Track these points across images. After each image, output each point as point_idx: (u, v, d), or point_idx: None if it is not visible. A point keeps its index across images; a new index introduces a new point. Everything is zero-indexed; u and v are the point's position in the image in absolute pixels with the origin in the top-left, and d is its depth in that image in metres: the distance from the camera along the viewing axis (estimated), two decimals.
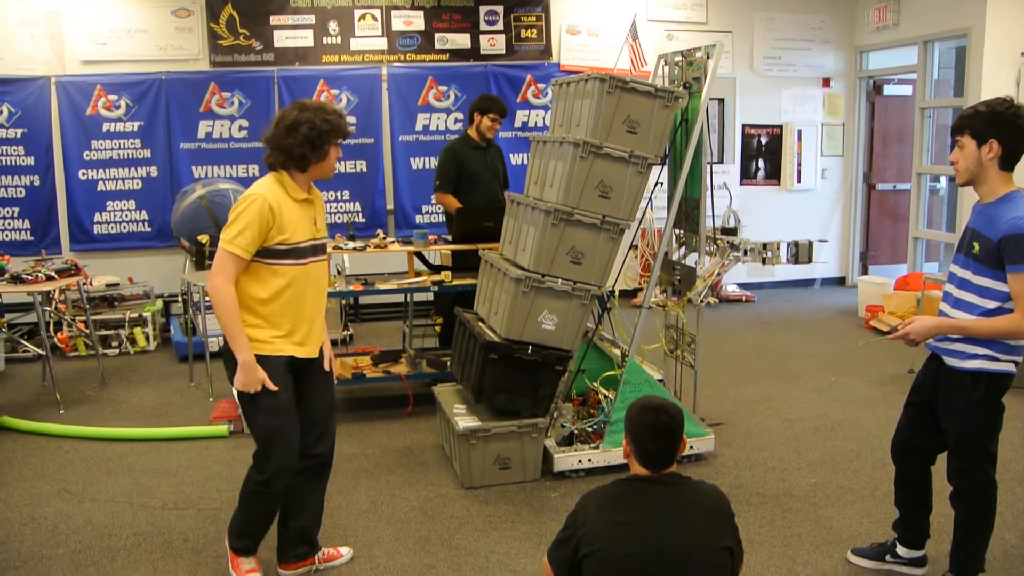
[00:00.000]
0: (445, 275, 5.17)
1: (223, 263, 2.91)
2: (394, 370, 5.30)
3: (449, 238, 5.53)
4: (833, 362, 6.23)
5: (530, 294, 3.96)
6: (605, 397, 4.41)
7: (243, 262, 2.92)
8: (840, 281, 9.15)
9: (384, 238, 5.32)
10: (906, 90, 8.64)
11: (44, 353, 5.56)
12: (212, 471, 4.37)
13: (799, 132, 8.72)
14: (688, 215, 4.60)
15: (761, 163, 8.79)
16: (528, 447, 4.12)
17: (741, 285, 8.65)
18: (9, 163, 7.33)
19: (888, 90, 8.80)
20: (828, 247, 8.96)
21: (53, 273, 5.54)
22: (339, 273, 5.45)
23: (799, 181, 8.79)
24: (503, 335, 4.03)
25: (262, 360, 2.97)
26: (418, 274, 5.33)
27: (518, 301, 3.97)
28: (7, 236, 7.38)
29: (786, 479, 4.15)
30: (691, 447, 4.32)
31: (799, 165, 8.78)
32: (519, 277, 3.94)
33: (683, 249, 4.79)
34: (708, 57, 4.24)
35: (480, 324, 4.39)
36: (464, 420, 4.13)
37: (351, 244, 5.23)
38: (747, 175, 8.76)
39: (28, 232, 7.42)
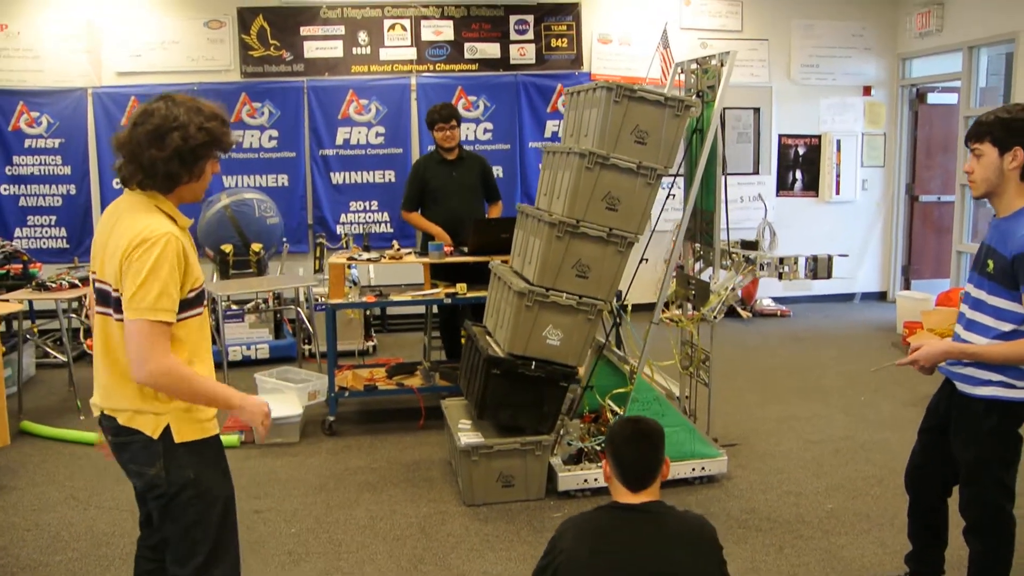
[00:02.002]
0: (460, 287, 5.11)
1: (154, 340, 2.07)
2: (407, 383, 5.24)
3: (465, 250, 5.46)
4: (866, 380, 5.99)
5: (534, 308, 3.87)
6: (615, 414, 4.29)
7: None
8: (881, 296, 8.85)
9: (399, 249, 5.27)
10: (951, 98, 8.33)
11: (66, 360, 5.64)
12: None
13: (838, 142, 8.47)
14: (703, 228, 4.46)
15: (798, 174, 8.56)
16: (531, 465, 4.02)
17: (776, 299, 8.42)
18: (47, 172, 7.51)
19: (932, 98, 8.50)
20: (868, 261, 8.69)
21: (76, 281, 5.62)
22: (354, 284, 5.44)
23: (838, 192, 8.54)
24: (506, 350, 3.94)
25: (214, 445, 2.32)
26: (434, 285, 5.28)
27: (522, 315, 3.88)
28: (44, 244, 7.55)
29: (801, 504, 3.98)
30: (703, 468, 4.17)
31: (838, 176, 8.53)
32: (522, 290, 3.85)
33: (700, 263, 4.65)
34: (722, 64, 4.11)
35: (488, 338, 4.32)
36: (467, 436, 4.06)
37: (365, 255, 5.19)
38: (784, 186, 8.54)
39: (64, 240, 7.59)
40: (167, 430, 2.21)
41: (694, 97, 4.30)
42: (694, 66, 4.45)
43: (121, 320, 2.15)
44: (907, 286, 8.65)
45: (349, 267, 6.70)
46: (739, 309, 8.13)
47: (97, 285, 2.26)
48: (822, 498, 4.04)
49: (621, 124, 3.84)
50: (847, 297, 8.77)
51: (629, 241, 3.92)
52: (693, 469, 4.17)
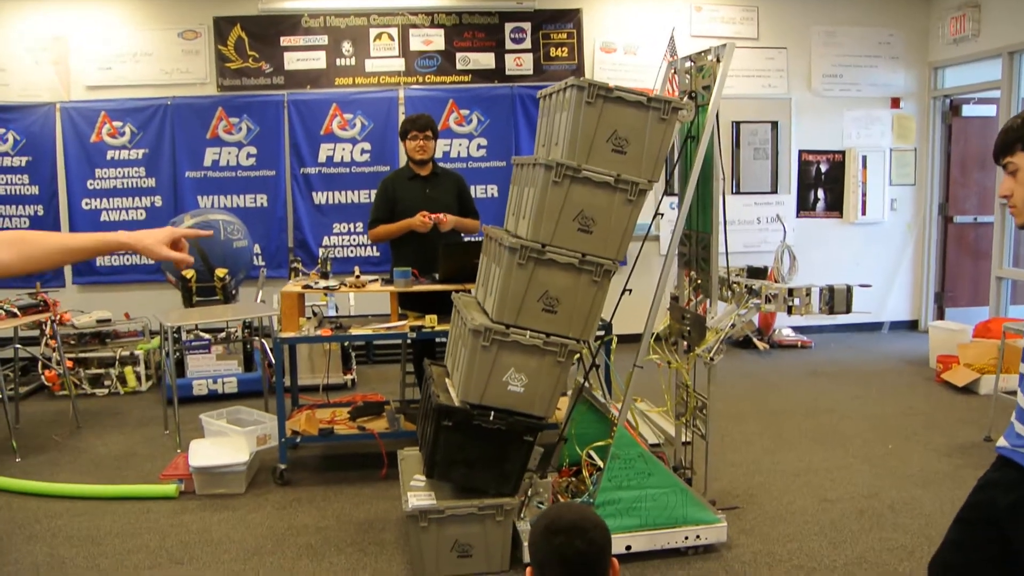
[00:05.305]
0: (430, 319, 4.53)
1: None
2: (370, 426, 4.65)
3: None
4: (893, 424, 5.30)
5: (492, 349, 3.27)
6: (597, 468, 3.67)
7: None
8: (912, 325, 8.12)
9: (359, 276, 4.70)
10: (989, 110, 7.64)
11: (2, 397, 5.13)
12: (140, 541, 3.79)
13: (864, 158, 7.80)
14: (699, 253, 3.84)
15: (821, 193, 7.90)
16: (492, 532, 3.40)
17: (796, 329, 7.73)
18: (14, 192, 7.08)
19: (967, 110, 7.80)
20: (898, 287, 7.97)
21: (16, 310, 5.12)
22: (314, 315, 4.88)
23: (864, 213, 7.85)
24: (461, 398, 3.34)
25: None
26: (404, 316, 4.71)
27: (478, 357, 3.28)
28: None
29: None
30: (697, 536, 3.53)
31: (864, 195, 7.85)
32: (478, 328, 3.25)
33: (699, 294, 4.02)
34: (718, 61, 3.51)
35: (447, 380, 3.73)
36: (417, 496, 3.45)
37: (322, 283, 4.63)
38: (804, 206, 7.87)
39: None
40: None
41: (685, 99, 3.69)
42: (688, 64, 3.85)
43: None
44: (940, 315, 7.92)
45: (326, 294, 6.17)
46: (755, 340, 7.46)
47: None
48: None
49: (595, 130, 3.25)
50: (874, 326, 8.06)
51: (606, 269, 3.32)
52: (686, 537, 3.52)
